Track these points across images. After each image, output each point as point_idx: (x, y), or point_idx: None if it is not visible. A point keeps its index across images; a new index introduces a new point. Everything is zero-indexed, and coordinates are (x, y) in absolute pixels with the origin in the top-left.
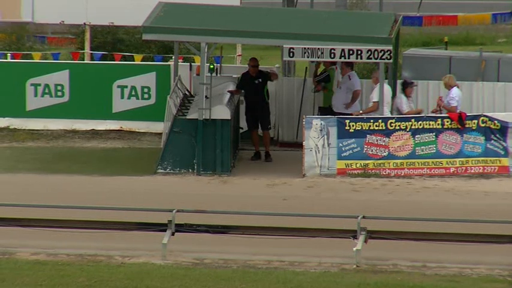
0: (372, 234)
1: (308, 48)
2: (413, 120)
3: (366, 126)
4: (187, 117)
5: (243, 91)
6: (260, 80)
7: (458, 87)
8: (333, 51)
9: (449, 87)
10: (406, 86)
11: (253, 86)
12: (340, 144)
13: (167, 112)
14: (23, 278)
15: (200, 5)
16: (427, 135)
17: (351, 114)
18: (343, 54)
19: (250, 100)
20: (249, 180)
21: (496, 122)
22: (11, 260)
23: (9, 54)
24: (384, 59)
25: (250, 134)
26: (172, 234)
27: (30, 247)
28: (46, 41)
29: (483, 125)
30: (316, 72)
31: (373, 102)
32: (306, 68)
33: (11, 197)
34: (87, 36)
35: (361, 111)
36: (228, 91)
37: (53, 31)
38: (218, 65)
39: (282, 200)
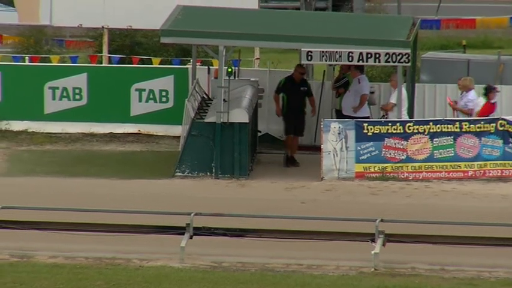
0: (390, 238)
1: (326, 51)
2: (431, 123)
3: (384, 129)
4: (206, 120)
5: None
6: (305, 88)
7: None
8: (351, 54)
9: (467, 89)
10: (490, 91)
11: (298, 92)
12: (358, 148)
13: (185, 115)
14: (41, 281)
15: (218, 8)
16: (445, 138)
17: (367, 118)
18: (361, 58)
19: (293, 106)
20: (267, 183)
21: None
22: (29, 263)
23: (27, 58)
24: (402, 63)
25: (286, 138)
26: (191, 237)
27: (48, 250)
28: (64, 44)
29: (501, 129)
30: (336, 78)
31: (390, 102)
32: (324, 71)
33: (29, 200)
34: (105, 39)
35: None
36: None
37: (71, 34)
38: (236, 68)
39: (300, 203)
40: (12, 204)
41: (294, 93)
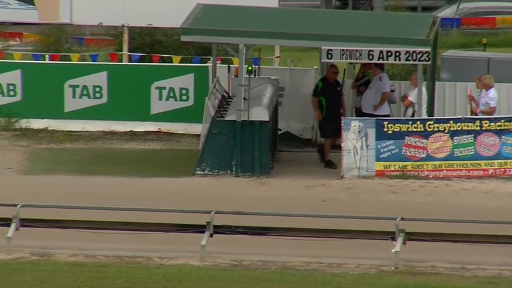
0: (410, 236)
1: (346, 49)
2: (451, 121)
3: (404, 127)
4: (226, 118)
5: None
6: (340, 87)
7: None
8: (371, 52)
9: (487, 87)
10: None
11: (335, 94)
12: (379, 146)
13: (205, 114)
14: (62, 280)
15: (238, 7)
16: (465, 136)
17: (387, 116)
18: (381, 56)
19: (332, 108)
20: (287, 181)
21: None
22: (49, 261)
23: (47, 56)
24: (422, 61)
25: (324, 142)
26: (211, 235)
27: (68, 248)
28: (84, 42)
29: None
30: (356, 77)
31: (408, 99)
32: (344, 69)
33: (49, 199)
34: (126, 37)
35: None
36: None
37: (91, 32)
38: (256, 66)
39: (321, 201)
40: (32, 202)
41: (332, 94)
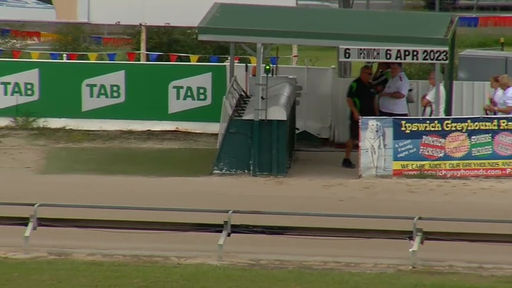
0: (428, 236)
1: (364, 49)
2: (469, 121)
3: (422, 127)
4: (244, 118)
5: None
6: (373, 88)
7: None
8: (388, 52)
9: (505, 87)
10: None
11: (369, 95)
12: (396, 145)
13: (223, 113)
14: (79, 279)
15: (256, 6)
16: (483, 136)
17: (406, 115)
18: (399, 55)
19: (366, 109)
20: (304, 181)
21: None
22: (67, 260)
23: (65, 55)
24: (439, 60)
25: (348, 141)
26: (228, 235)
27: (86, 248)
28: (102, 41)
29: None
30: (374, 76)
31: (426, 98)
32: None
33: (67, 198)
34: (143, 36)
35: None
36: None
37: (109, 32)
38: (274, 65)
39: (338, 201)
40: (50, 201)
41: (366, 96)
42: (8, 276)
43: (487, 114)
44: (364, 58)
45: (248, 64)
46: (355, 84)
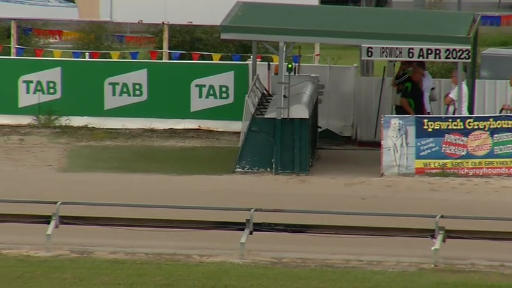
0: (450, 234)
1: (386, 47)
2: (491, 119)
3: (444, 125)
4: (266, 116)
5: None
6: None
7: None
8: (411, 50)
9: None
10: None
11: (420, 94)
12: (419, 144)
13: (245, 111)
14: (101, 277)
15: (278, 4)
16: (505, 134)
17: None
18: (421, 54)
19: (419, 108)
20: (327, 179)
21: None
22: (89, 259)
23: (87, 54)
24: (462, 59)
25: None
26: (251, 233)
27: (108, 246)
28: (124, 40)
29: None
30: (396, 75)
31: (449, 96)
32: (384, 67)
33: (89, 196)
34: (166, 35)
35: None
36: None
37: (131, 30)
38: (296, 64)
39: (361, 199)
40: (71, 200)
41: (418, 95)
42: (30, 274)
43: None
44: (386, 57)
45: (270, 63)
46: (410, 85)
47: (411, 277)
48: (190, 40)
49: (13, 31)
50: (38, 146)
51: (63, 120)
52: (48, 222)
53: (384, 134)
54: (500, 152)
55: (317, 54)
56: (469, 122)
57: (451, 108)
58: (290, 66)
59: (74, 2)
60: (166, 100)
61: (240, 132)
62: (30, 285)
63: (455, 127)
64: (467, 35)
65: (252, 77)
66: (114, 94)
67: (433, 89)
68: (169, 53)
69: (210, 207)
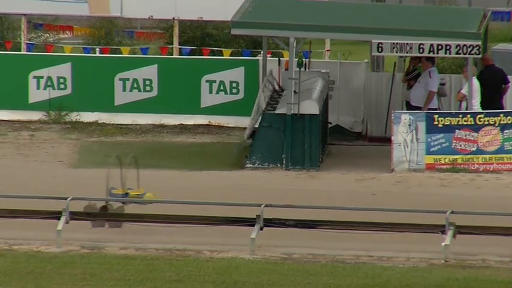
0: (460, 230)
1: (397, 43)
2: (501, 115)
3: (454, 121)
4: (276, 111)
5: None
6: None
7: None
8: (421, 46)
9: None
10: None
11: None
12: (429, 139)
13: (255, 106)
14: (112, 273)
15: (289, 0)
16: None
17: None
18: (431, 49)
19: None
20: (337, 175)
21: None
22: (100, 254)
23: (97, 49)
24: (472, 54)
25: None
26: (261, 229)
27: (118, 242)
28: (134, 35)
29: None
30: (407, 71)
31: (461, 92)
32: (395, 63)
33: (99, 192)
34: (176, 31)
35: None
36: None
37: (142, 26)
38: (307, 59)
39: (371, 194)
40: (82, 195)
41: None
42: (41, 270)
43: None
44: (396, 52)
45: (281, 58)
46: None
47: (421, 273)
48: (200, 35)
49: (23, 26)
50: (49, 142)
51: (74, 116)
52: (59, 218)
53: (394, 130)
54: (510, 148)
55: (327, 50)
56: (480, 118)
57: (463, 104)
58: (300, 61)
59: None
60: (177, 96)
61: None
62: (41, 281)
63: (465, 123)
64: (478, 31)
65: (263, 73)
66: (124, 90)
67: (443, 84)
68: (180, 48)
69: (221, 203)
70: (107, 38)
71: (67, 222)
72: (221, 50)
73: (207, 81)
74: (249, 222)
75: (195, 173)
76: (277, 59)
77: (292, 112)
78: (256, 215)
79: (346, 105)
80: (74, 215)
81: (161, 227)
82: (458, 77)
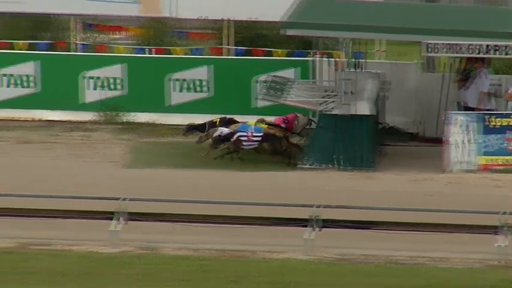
0: None
1: (448, 43)
2: None
3: (506, 122)
4: (330, 112)
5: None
6: None
7: None
8: (471, 46)
9: None
10: None
11: None
12: (482, 140)
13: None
14: (168, 273)
15: (341, 1)
16: None
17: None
18: (482, 50)
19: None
20: (391, 175)
21: None
22: (156, 255)
23: (150, 50)
24: None
25: None
26: (314, 229)
27: (173, 242)
28: (187, 36)
29: None
30: (459, 71)
31: (509, 92)
32: (445, 63)
33: (153, 192)
34: (228, 31)
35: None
36: None
37: (193, 26)
38: (361, 60)
39: (425, 195)
40: (135, 196)
41: None
42: (97, 271)
43: None
44: (447, 53)
45: (333, 59)
46: None
47: (476, 273)
48: (254, 36)
49: (72, 27)
50: (102, 142)
51: (127, 117)
52: (113, 219)
53: (447, 131)
54: None
55: (383, 51)
56: None
57: (510, 104)
58: (354, 62)
59: None
60: (229, 96)
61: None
62: (98, 281)
63: None
64: None
65: (314, 73)
66: (177, 90)
67: (499, 85)
68: (232, 49)
69: (275, 204)
70: (157, 39)
71: (121, 223)
72: (273, 51)
73: (257, 81)
74: (303, 222)
75: (249, 173)
76: (329, 59)
77: (346, 113)
78: (310, 216)
79: (401, 106)
80: (129, 216)
81: (215, 228)
82: (511, 77)
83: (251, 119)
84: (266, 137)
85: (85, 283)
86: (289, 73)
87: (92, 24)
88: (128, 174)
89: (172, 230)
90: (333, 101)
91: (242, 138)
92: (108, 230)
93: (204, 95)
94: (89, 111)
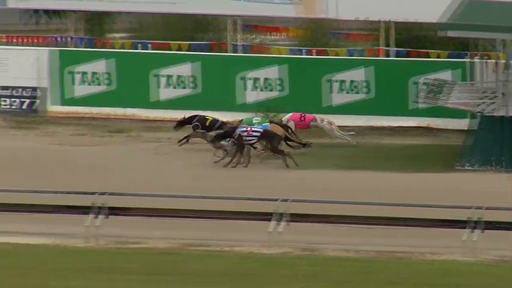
0: None
1: None
2: None
3: None
4: (493, 114)
5: None
6: None
7: None
8: None
9: None
10: None
11: None
12: None
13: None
14: (331, 274)
15: (500, 3)
16: None
17: None
18: None
19: None
20: None
21: None
22: (318, 256)
23: (310, 51)
24: None
25: None
26: (477, 231)
27: (332, 243)
28: (345, 37)
29: None
30: None
31: None
32: None
33: (316, 194)
34: (389, 32)
35: None
36: None
37: (350, 27)
38: None
39: None
40: (295, 197)
41: None
42: (259, 272)
43: None
44: None
45: (493, 60)
46: None
47: None
48: (414, 37)
49: (229, 28)
50: None
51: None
52: (271, 220)
53: None
54: None
55: None
56: None
57: None
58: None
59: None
60: (388, 97)
61: (462, 130)
62: (259, 281)
63: None
64: None
65: (471, 75)
66: (339, 91)
67: None
68: (392, 50)
69: (432, 205)
70: (315, 40)
71: (285, 224)
72: (436, 52)
73: (414, 83)
74: (461, 224)
75: (406, 175)
76: (490, 61)
77: (506, 114)
78: (468, 218)
79: None
80: (291, 217)
81: (374, 229)
82: None
83: (410, 121)
84: (265, 134)
85: (246, 284)
86: (446, 75)
87: (248, 25)
88: (289, 176)
89: (333, 232)
90: (493, 103)
91: (242, 134)
92: (264, 230)
93: (362, 96)
94: (246, 112)
